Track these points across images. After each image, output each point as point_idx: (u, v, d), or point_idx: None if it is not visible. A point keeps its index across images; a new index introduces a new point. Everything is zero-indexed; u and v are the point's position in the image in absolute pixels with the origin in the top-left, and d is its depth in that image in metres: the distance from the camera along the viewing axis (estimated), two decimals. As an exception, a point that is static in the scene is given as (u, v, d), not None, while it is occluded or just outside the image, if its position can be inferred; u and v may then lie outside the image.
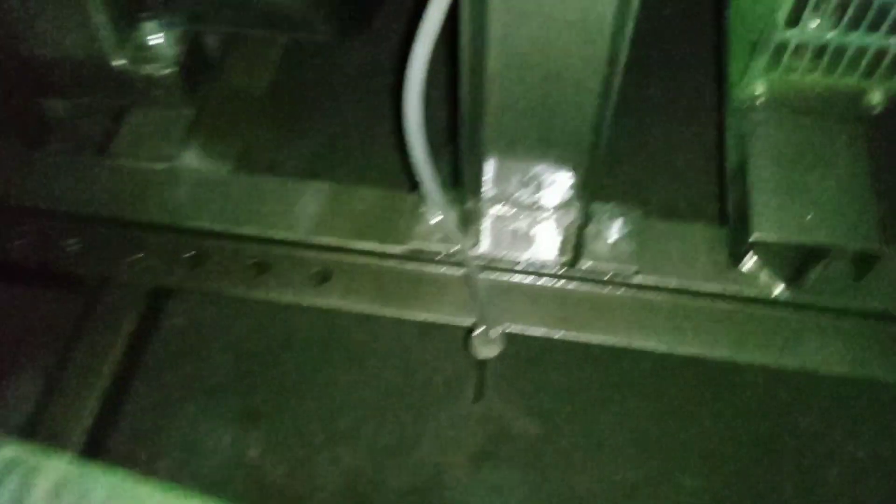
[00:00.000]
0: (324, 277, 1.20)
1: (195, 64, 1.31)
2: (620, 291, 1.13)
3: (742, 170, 1.07)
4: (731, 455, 1.13)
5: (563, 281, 1.14)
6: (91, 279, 1.27)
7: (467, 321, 1.14)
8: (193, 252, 1.22)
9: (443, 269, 1.17)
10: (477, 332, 1.10)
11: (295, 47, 1.54)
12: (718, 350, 1.12)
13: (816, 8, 0.95)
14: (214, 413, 1.19)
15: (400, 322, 1.19)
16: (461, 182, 1.06)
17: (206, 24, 1.26)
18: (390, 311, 1.18)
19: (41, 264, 1.28)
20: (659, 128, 1.41)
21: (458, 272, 1.16)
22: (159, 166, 1.26)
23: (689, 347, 1.13)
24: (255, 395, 1.21)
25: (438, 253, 1.14)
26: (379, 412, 1.18)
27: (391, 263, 1.18)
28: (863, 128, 1.07)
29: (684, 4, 1.54)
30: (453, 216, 1.02)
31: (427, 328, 1.22)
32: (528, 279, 1.15)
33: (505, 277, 1.15)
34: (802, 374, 1.12)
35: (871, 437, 1.14)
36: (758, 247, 1.06)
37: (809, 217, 1.01)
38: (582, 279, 1.13)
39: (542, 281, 1.15)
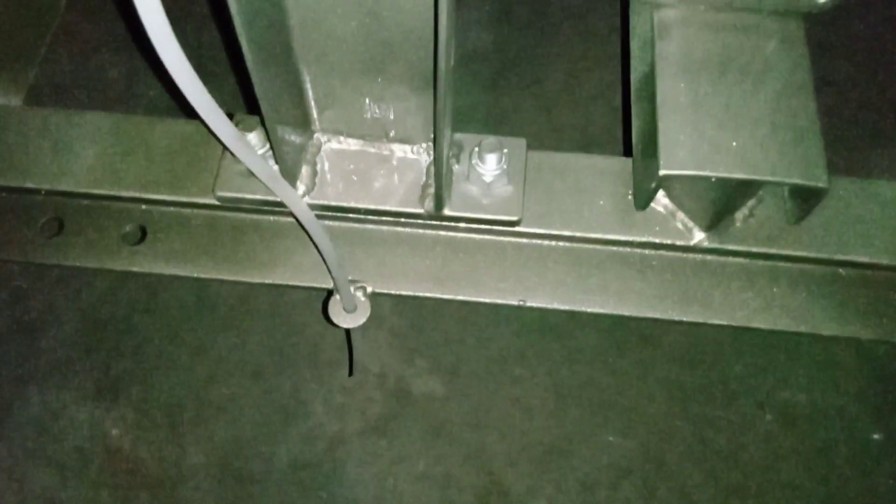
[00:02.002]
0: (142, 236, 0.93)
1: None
2: (499, 240, 0.89)
3: (648, 84, 0.82)
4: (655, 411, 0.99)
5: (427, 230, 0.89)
6: None
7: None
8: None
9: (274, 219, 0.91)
10: (334, 297, 0.86)
11: None
12: (626, 307, 0.89)
13: None
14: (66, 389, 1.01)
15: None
16: (270, 111, 0.77)
17: None
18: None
19: None
20: (551, 27, 1.15)
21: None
22: None
23: (592, 306, 0.90)
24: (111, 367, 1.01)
25: (259, 205, 0.87)
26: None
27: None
28: (803, 26, 0.83)
29: None
30: (267, 159, 0.74)
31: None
32: (386, 227, 0.90)
33: (355, 226, 0.90)
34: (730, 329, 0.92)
35: (803, 385, 1.01)
36: (669, 184, 0.82)
37: (734, 145, 0.77)
38: (450, 230, 0.89)
39: (404, 229, 0.90)
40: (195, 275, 0.95)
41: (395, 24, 0.71)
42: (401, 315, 1.05)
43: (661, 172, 0.76)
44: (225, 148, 0.86)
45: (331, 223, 0.90)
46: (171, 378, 1.02)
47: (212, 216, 0.94)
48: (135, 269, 0.95)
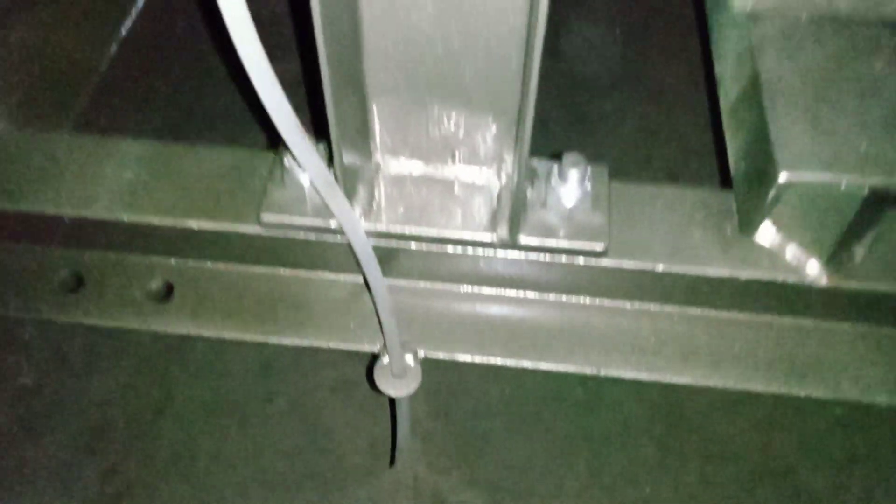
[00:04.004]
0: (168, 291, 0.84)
1: None
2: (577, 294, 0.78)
3: (748, 99, 0.73)
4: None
5: (496, 267, 0.78)
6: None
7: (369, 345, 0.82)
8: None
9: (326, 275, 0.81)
10: (383, 360, 0.74)
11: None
12: (734, 374, 0.75)
13: None
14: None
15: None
16: (339, 132, 0.69)
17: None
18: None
19: None
20: (627, 53, 1.10)
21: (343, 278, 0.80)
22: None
23: (693, 374, 0.77)
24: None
25: (306, 230, 0.76)
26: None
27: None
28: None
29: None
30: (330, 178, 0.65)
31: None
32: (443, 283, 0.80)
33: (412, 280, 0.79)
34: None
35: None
36: (784, 199, 0.71)
37: (864, 147, 0.67)
38: (525, 262, 0.77)
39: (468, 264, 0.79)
40: (222, 334, 0.84)
41: (477, 31, 0.64)
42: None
43: (782, 177, 0.65)
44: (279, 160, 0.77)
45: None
46: (181, 489, 0.88)
47: (243, 271, 0.84)
48: (158, 328, 0.85)
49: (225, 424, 0.92)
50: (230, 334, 0.86)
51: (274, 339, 0.85)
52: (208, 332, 0.86)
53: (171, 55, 1.27)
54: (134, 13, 1.24)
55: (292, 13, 1.27)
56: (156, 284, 0.89)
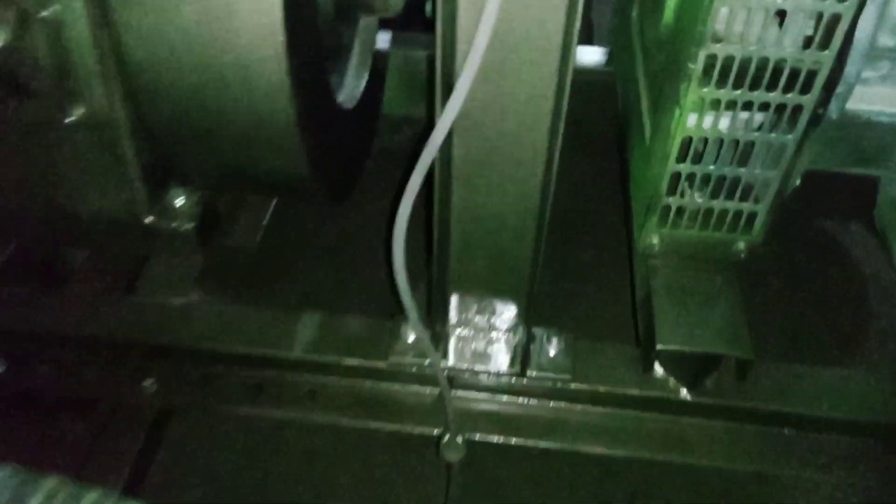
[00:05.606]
0: (312, 395, 1.45)
1: (206, 220, 1.60)
2: (559, 399, 1.42)
3: (647, 300, 1.40)
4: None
5: (514, 388, 1.42)
6: (105, 402, 1.48)
7: (433, 430, 1.40)
8: (201, 374, 1.46)
9: (415, 388, 1.44)
10: (446, 438, 1.35)
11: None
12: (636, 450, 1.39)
13: (689, 180, 1.32)
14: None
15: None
16: (433, 310, 1.35)
17: (221, 190, 1.56)
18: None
19: (61, 389, 1.49)
20: (585, 271, 1.76)
21: (429, 390, 1.43)
22: (176, 302, 1.51)
23: (622, 449, 1.40)
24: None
25: (415, 366, 1.40)
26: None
27: (371, 382, 1.45)
28: (734, 268, 1.43)
29: (597, 180, 1.93)
30: (427, 336, 1.29)
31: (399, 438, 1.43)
32: (485, 394, 1.43)
33: (467, 391, 1.43)
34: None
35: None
36: (662, 356, 1.37)
37: (699, 332, 1.33)
38: (528, 388, 1.41)
39: (498, 393, 1.43)
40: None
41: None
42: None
43: (658, 347, 1.31)
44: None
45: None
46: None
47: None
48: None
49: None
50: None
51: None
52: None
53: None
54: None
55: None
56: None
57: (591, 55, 2.02)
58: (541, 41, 0.95)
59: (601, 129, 1.90)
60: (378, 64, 1.78)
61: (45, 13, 1.18)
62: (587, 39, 2.15)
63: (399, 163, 1.32)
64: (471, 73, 0.87)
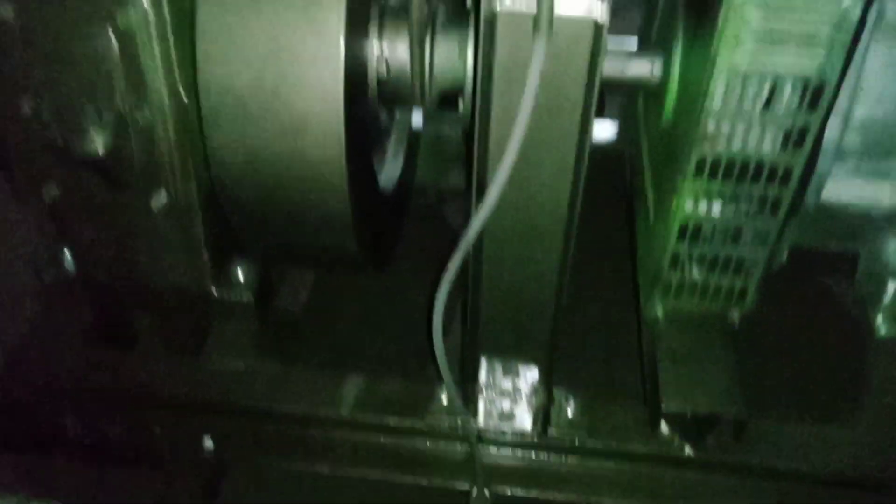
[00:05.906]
0: (355, 451, 1.62)
1: (263, 290, 1.81)
2: (576, 455, 1.58)
3: (653, 365, 1.57)
4: None
5: (536, 445, 1.59)
6: (169, 459, 1.66)
7: (464, 485, 1.56)
8: (254, 433, 1.64)
9: (447, 445, 1.61)
10: (474, 492, 1.52)
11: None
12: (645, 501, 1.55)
13: (689, 256, 1.51)
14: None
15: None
16: (465, 373, 1.53)
17: (278, 263, 1.77)
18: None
19: (131, 446, 1.67)
20: (599, 336, 1.94)
21: (459, 447, 1.60)
22: (236, 365, 1.71)
23: (632, 501, 1.55)
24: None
25: (448, 425, 1.58)
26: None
27: (406, 440, 1.62)
28: (730, 335, 1.60)
29: (609, 256, 2.10)
30: (460, 399, 1.48)
31: (433, 492, 1.56)
32: (509, 450, 1.59)
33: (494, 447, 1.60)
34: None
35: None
36: (668, 417, 1.54)
37: (701, 394, 1.50)
38: (549, 445, 1.58)
39: (521, 450, 1.59)
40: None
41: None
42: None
43: (664, 409, 1.47)
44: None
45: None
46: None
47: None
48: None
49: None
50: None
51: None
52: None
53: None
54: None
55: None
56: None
57: (602, 131, 2.21)
58: (558, 160, 1.18)
59: (610, 199, 2.06)
60: (412, 144, 2.00)
61: (138, 118, 1.42)
62: (598, 111, 2.35)
63: (427, 225, 1.55)
64: (500, 184, 1.07)
